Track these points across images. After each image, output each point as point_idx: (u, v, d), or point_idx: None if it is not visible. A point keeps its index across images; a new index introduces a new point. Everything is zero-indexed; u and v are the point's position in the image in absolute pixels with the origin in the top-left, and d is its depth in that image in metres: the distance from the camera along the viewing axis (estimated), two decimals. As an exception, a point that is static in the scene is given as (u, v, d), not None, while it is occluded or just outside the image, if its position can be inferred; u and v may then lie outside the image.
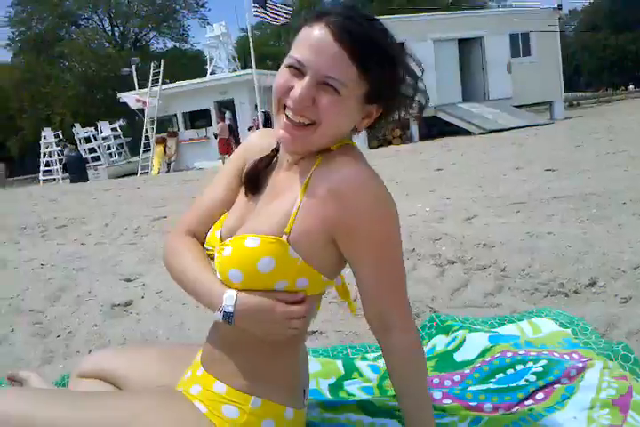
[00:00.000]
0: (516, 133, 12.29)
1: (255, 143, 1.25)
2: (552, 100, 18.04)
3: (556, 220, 3.55)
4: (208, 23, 34.45)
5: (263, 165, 1.16)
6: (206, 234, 1.18)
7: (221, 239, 1.12)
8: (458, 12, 18.59)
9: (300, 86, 0.96)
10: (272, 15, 16.07)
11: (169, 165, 18.56)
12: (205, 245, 1.17)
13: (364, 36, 0.95)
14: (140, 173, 16.83)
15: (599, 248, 2.77)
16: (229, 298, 1.01)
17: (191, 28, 36.44)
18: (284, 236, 1.01)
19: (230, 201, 1.20)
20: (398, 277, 1.07)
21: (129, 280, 3.23)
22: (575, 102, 26.14)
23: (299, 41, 0.99)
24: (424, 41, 16.81)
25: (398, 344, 1.08)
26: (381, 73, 0.98)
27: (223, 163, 17.19)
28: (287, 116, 1.00)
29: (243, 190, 1.19)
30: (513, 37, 17.80)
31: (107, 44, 35.89)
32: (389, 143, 15.98)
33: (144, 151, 18.73)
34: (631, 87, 35.32)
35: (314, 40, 0.96)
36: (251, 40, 17.75)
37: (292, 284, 1.03)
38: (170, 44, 39.08)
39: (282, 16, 16.25)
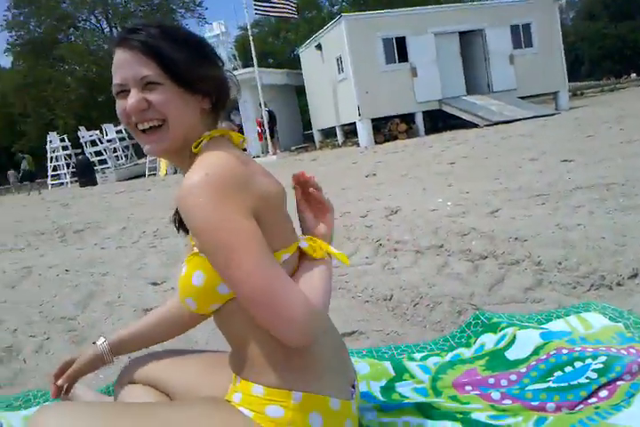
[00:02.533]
0: (524, 125, 12.22)
1: None
2: (557, 90, 17.93)
3: (583, 211, 3.50)
4: (206, 22, 34.49)
5: None
6: None
7: None
8: (458, 4, 18.52)
9: (128, 99, 1.06)
10: (276, 9, 16.02)
11: (175, 165, 18.49)
12: None
13: (146, 33, 1.06)
14: (148, 175, 16.82)
15: (634, 239, 2.73)
16: None
17: (189, 27, 36.11)
18: (194, 248, 1.09)
19: None
20: (236, 265, 0.96)
21: (156, 284, 3.22)
22: (579, 92, 25.97)
23: (112, 71, 1.10)
24: (425, 34, 16.75)
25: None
26: (174, 58, 1.05)
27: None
28: (140, 130, 1.09)
29: None
30: (514, 29, 17.70)
31: (105, 46, 35.86)
32: (395, 138, 15.94)
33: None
34: (634, 75, 35.03)
35: (116, 62, 1.08)
36: (251, 38, 17.70)
37: None
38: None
39: (288, 9, 16.21)
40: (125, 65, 1.06)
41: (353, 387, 1.19)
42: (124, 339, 1.37)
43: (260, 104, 17.18)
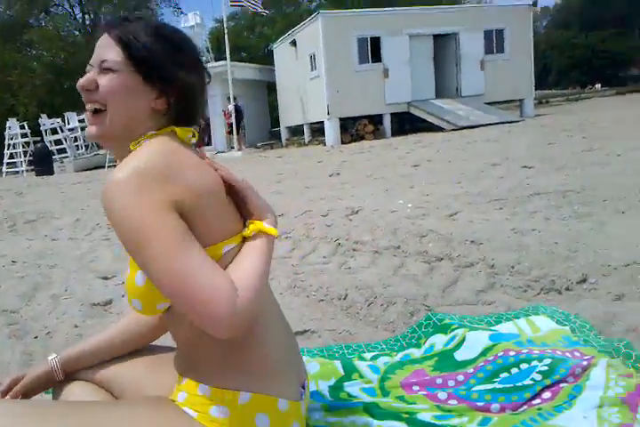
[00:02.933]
0: (489, 130, 12.41)
1: None
2: (523, 97, 18.26)
3: (539, 216, 3.56)
4: (182, 12, 33.94)
5: None
6: None
7: None
8: (435, 7, 18.63)
9: (81, 78, 1.08)
10: (250, 3, 16.01)
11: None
12: None
13: (123, 24, 1.09)
14: (108, 167, 16.44)
15: (586, 245, 2.78)
16: None
17: (164, 16, 35.44)
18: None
19: None
20: (163, 270, 0.92)
21: (106, 278, 3.13)
22: (544, 100, 26.50)
23: None
24: (399, 35, 16.84)
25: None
26: (141, 50, 1.06)
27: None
28: (89, 110, 1.09)
29: None
30: (487, 34, 17.91)
31: (76, 32, 34.94)
32: (362, 138, 15.99)
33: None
34: (598, 86, 35.98)
35: (96, 44, 1.11)
36: (226, 31, 17.51)
37: None
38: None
39: (259, 5, 16.21)
40: (98, 48, 1.09)
41: (303, 387, 1.17)
42: (76, 356, 1.30)
43: (229, 98, 17.02)
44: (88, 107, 1.08)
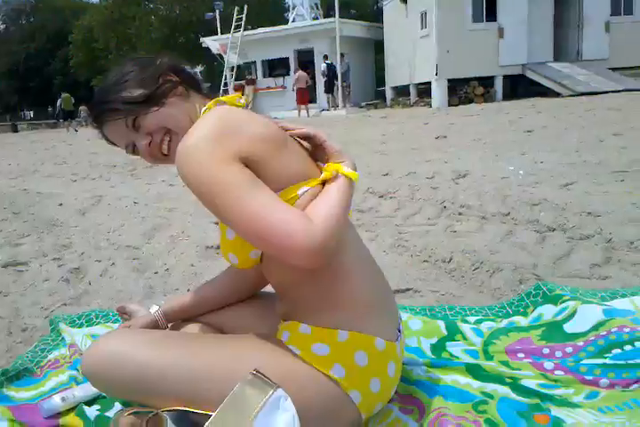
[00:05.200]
0: (611, 98, 11.51)
1: None
2: (654, 63, 16.69)
3: (665, 192, 3.31)
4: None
5: None
6: None
7: None
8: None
9: (141, 150, 1.17)
10: None
11: (245, 112, 18.63)
12: None
13: (93, 107, 1.21)
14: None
15: None
16: None
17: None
18: None
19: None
20: (245, 218, 0.97)
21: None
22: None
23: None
24: (518, -9, 15.79)
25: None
26: (124, 106, 1.14)
27: (299, 114, 17.11)
28: (165, 155, 1.19)
29: None
30: (615, -7, 16.41)
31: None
32: (471, 101, 15.40)
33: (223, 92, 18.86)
34: None
35: (108, 138, 1.24)
36: (337, -14, 17.22)
37: None
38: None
39: None
40: (114, 135, 1.20)
41: (399, 331, 1.21)
42: (179, 308, 1.40)
43: (325, 56, 16.83)
44: (166, 151, 1.17)
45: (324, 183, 1.12)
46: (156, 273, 2.54)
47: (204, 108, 1.16)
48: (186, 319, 1.40)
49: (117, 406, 1.39)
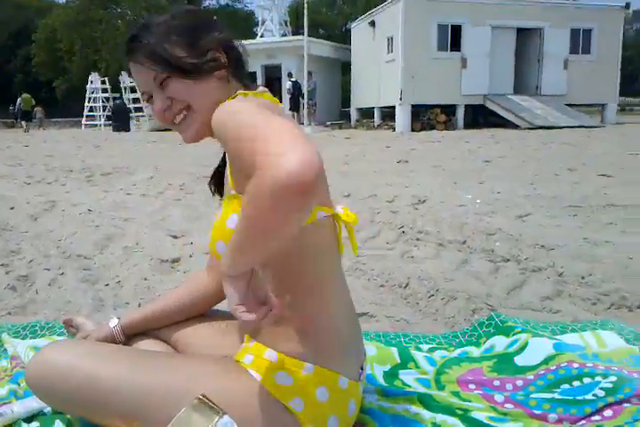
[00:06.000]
0: (566, 133, 11.96)
1: None
2: (605, 102, 17.47)
3: (614, 229, 3.43)
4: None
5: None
6: None
7: None
8: (521, -1, 17.92)
9: (154, 103, 1.14)
10: None
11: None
12: None
13: (142, 40, 1.12)
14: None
15: (663, 264, 2.67)
16: None
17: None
18: (232, 191, 1.05)
19: None
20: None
21: (175, 237, 3.24)
22: (628, 108, 25.31)
23: None
24: (482, 26, 16.35)
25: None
26: (169, 58, 1.09)
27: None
28: (176, 124, 1.15)
29: None
30: (574, 32, 17.18)
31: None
32: (433, 128, 15.73)
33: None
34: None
35: (133, 74, 1.17)
36: (306, 4, 17.40)
37: None
38: (223, 1, 38.71)
39: None
40: (139, 76, 1.14)
41: (361, 369, 1.19)
42: (138, 321, 1.36)
43: (290, 74, 16.92)
44: (177, 120, 1.13)
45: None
46: (106, 285, 2.46)
47: (239, 92, 1.09)
48: (142, 333, 1.36)
49: (58, 424, 1.32)
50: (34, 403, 1.32)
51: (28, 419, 1.35)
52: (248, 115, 0.88)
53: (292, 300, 1.05)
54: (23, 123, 20.31)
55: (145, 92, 1.15)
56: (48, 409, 1.34)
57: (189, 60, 1.09)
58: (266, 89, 1.18)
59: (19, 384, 1.50)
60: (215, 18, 1.20)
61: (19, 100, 20.87)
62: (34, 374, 1.09)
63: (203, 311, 1.38)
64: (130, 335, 1.36)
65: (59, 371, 1.05)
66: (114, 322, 1.37)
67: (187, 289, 1.37)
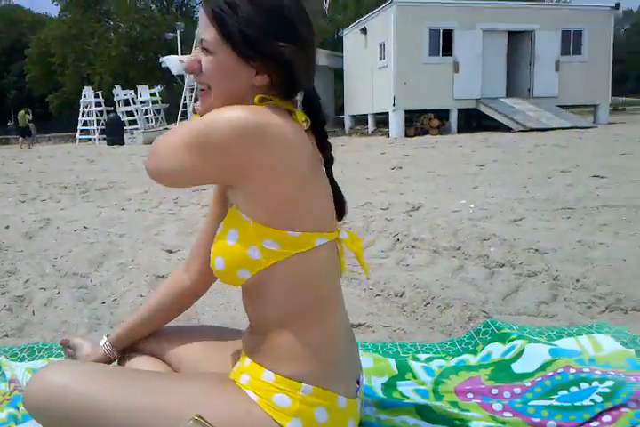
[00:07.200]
0: (559, 134, 12.02)
1: None
2: (598, 102, 17.56)
3: (608, 230, 3.44)
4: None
5: None
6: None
7: None
8: (511, 2, 18.02)
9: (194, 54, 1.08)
10: None
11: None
12: None
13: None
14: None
15: (658, 265, 2.68)
16: None
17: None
18: (229, 205, 1.06)
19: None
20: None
21: (171, 252, 3.24)
22: (620, 107, 25.43)
23: None
24: (473, 30, 16.45)
25: None
26: (234, 31, 1.00)
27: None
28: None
29: None
30: (565, 34, 17.28)
31: (153, 6, 35.70)
32: (426, 133, 15.78)
33: (181, 119, 18.77)
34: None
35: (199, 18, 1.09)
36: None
37: (262, 248, 1.02)
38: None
39: None
40: (199, 25, 1.07)
41: (358, 383, 1.18)
42: (126, 332, 1.36)
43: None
44: (201, 87, 1.09)
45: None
46: (103, 303, 2.46)
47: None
48: (136, 351, 1.36)
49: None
50: (34, 427, 1.32)
51: (27, 443, 1.35)
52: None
53: (291, 324, 1.06)
54: (20, 139, 20.30)
55: (201, 42, 1.06)
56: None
57: (253, 46, 1.00)
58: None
59: (18, 408, 1.50)
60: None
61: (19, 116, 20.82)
62: (30, 395, 1.08)
63: (184, 309, 1.37)
64: (122, 348, 1.36)
65: (54, 392, 1.05)
66: (103, 341, 1.37)
67: (164, 290, 1.36)
